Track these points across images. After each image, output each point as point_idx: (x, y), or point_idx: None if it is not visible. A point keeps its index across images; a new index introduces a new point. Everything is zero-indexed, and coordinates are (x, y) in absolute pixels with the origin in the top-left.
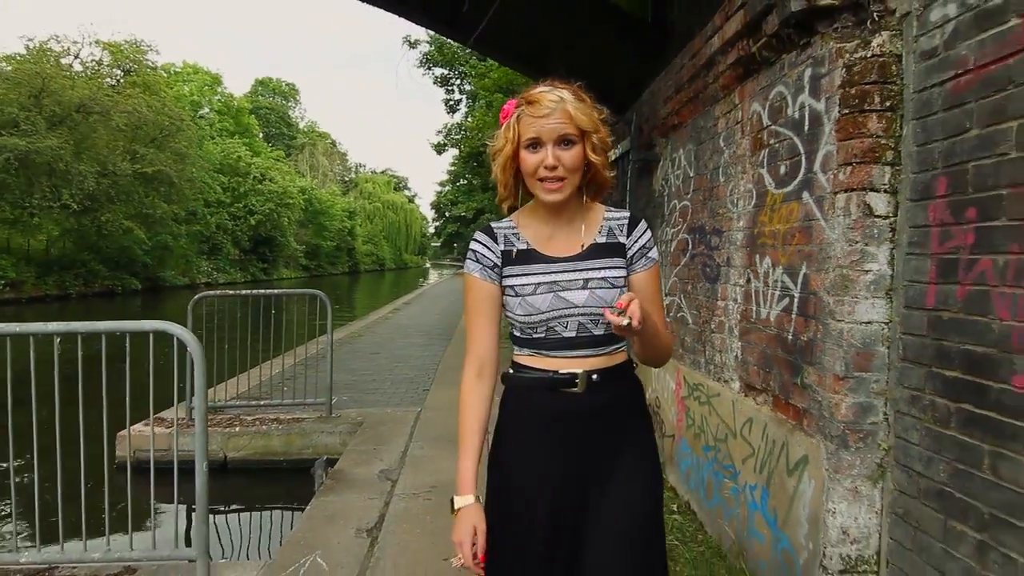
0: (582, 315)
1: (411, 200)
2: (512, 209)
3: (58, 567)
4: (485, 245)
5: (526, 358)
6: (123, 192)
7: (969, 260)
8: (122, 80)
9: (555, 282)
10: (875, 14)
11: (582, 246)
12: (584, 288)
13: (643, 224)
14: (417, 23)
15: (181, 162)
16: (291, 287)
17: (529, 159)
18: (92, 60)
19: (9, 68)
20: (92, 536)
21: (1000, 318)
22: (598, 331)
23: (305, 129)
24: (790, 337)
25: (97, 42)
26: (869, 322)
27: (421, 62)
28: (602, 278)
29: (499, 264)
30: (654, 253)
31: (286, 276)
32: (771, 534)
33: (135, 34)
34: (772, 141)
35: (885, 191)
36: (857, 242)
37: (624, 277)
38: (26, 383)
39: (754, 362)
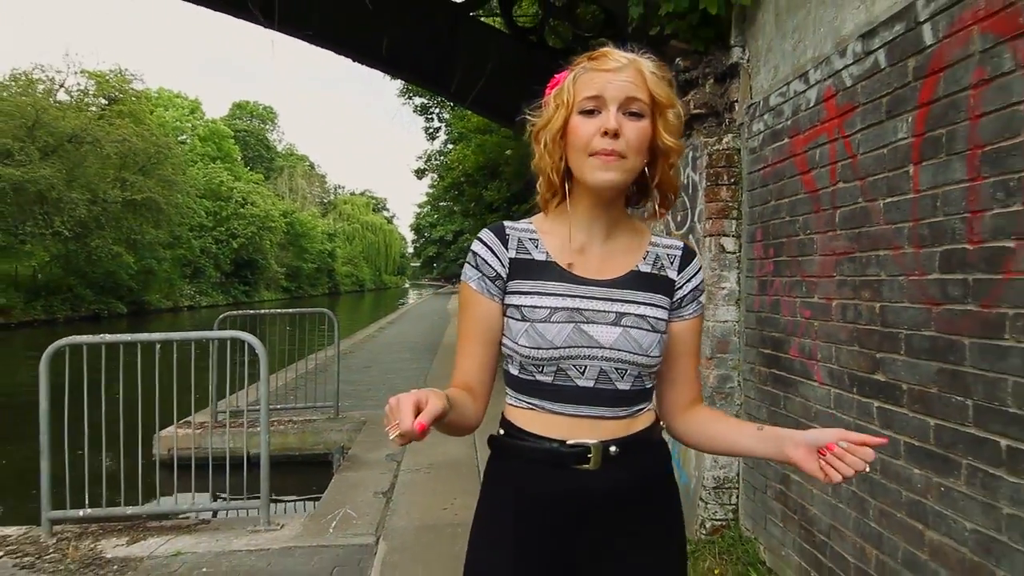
0: (606, 360)
1: (390, 221)
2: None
3: (145, 519)
4: (490, 248)
5: (522, 414)
6: (113, 219)
7: (771, 280)
8: (107, 109)
9: (578, 310)
10: (727, 120)
11: (626, 269)
12: (615, 325)
13: (698, 260)
14: (415, 85)
15: (168, 188)
16: (273, 308)
17: (583, 127)
18: (78, 89)
19: (3, 96)
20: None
21: (784, 315)
22: (623, 384)
23: (284, 152)
24: None
25: (83, 71)
26: (726, 321)
27: (402, 91)
28: (640, 316)
29: (504, 276)
30: (704, 298)
31: (267, 298)
32: (677, 474)
33: (119, 63)
34: None
35: (733, 236)
36: (716, 269)
37: (666, 321)
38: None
39: None
